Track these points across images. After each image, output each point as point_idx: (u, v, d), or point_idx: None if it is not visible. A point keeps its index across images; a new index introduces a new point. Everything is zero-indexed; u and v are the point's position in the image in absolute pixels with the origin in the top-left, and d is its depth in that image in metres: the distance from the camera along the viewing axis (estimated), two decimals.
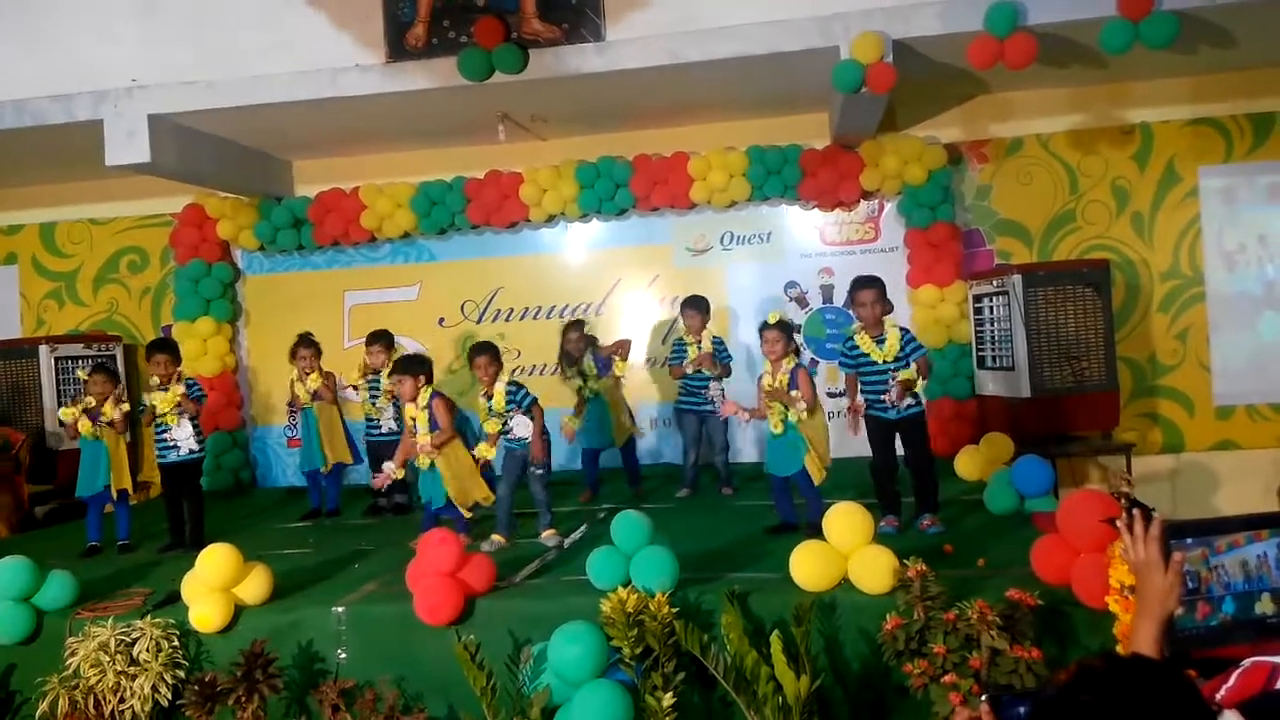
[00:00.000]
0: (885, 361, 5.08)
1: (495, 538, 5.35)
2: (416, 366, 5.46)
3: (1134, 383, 7.40)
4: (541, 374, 7.90)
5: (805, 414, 4.96)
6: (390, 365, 6.48)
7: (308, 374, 6.74)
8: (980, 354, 7.24)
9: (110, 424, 5.92)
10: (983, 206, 7.65)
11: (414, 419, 5.32)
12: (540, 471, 5.37)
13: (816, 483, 5.01)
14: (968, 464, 6.36)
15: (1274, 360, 7.36)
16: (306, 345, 6.80)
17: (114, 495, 5.99)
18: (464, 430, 5.60)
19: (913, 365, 5.07)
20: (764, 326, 5.19)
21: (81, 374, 6.74)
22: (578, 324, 6.78)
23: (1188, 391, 7.44)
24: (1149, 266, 7.47)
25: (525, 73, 6.13)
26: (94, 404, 5.95)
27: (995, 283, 6.94)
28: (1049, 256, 7.50)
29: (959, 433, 7.19)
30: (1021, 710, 1.65)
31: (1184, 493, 7.25)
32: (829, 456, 5.12)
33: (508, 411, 5.29)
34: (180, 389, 5.87)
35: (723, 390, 6.43)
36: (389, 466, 5.45)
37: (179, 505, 5.96)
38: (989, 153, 7.62)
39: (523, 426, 5.29)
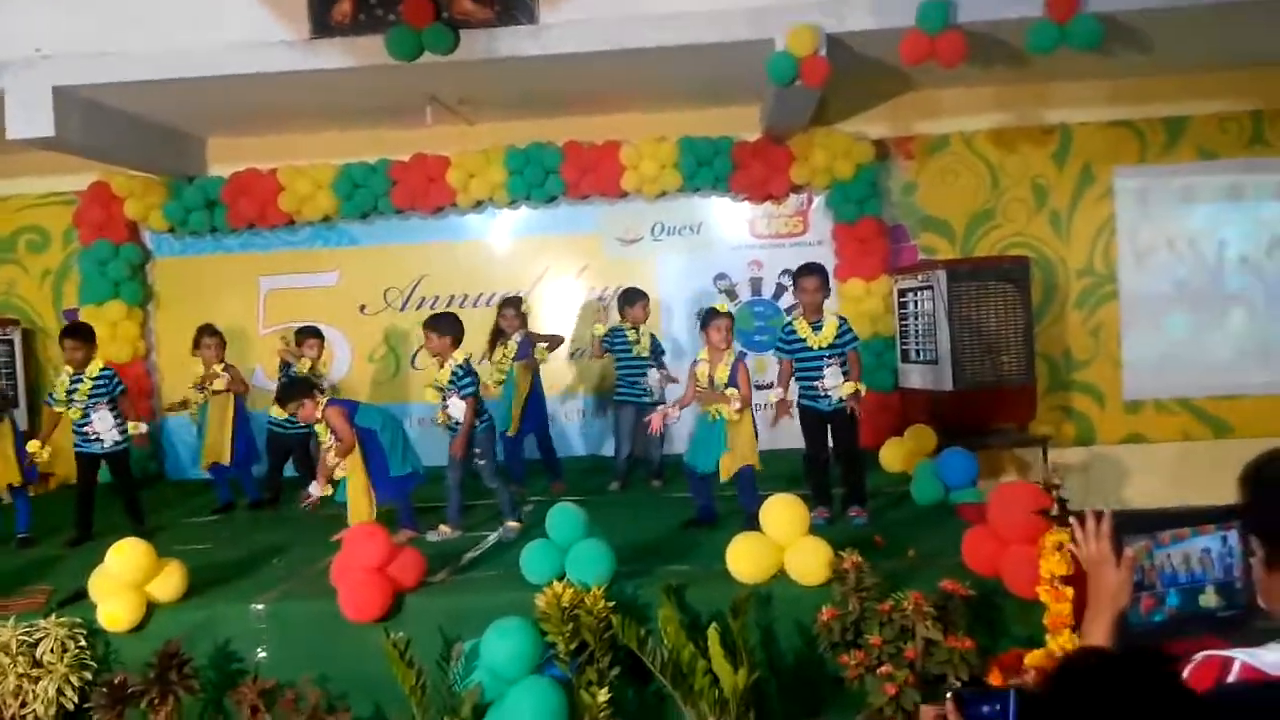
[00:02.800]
0: (819, 348, 5.13)
1: (443, 528, 5.25)
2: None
3: (1049, 377, 7.59)
4: (480, 364, 7.74)
5: (738, 412, 4.94)
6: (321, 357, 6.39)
7: (211, 365, 6.49)
8: (904, 347, 7.35)
9: None
10: (908, 202, 7.76)
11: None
12: (483, 462, 5.26)
13: (723, 479, 5.02)
14: (892, 456, 6.46)
15: (1181, 357, 7.64)
16: (210, 334, 6.55)
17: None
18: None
19: (847, 358, 5.15)
20: (712, 314, 5.13)
21: None
22: (514, 300, 6.63)
23: (1100, 386, 7.68)
24: (1065, 264, 7.68)
25: (455, 54, 5.96)
26: None
27: (920, 278, 7.05)
28: (970, 253, 7.65)
29: (882, 424, 7.26)
30: (985, 709, 1.63)
31: (1095, 484, 7.46)
32: (755, 454, 5.08)
33: (448, 389, 5.18)
34: (97, 374, 5.60)
35: (666, 375, 6.45)
36: (315, 489, 5.16)
37: (89, 498, 5.71)
38: (915, 149, 7.72)
39: (458, 410, 5.18)
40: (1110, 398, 7.68)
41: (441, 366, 5.27)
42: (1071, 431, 7.66)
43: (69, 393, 5.64)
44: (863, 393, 5.16)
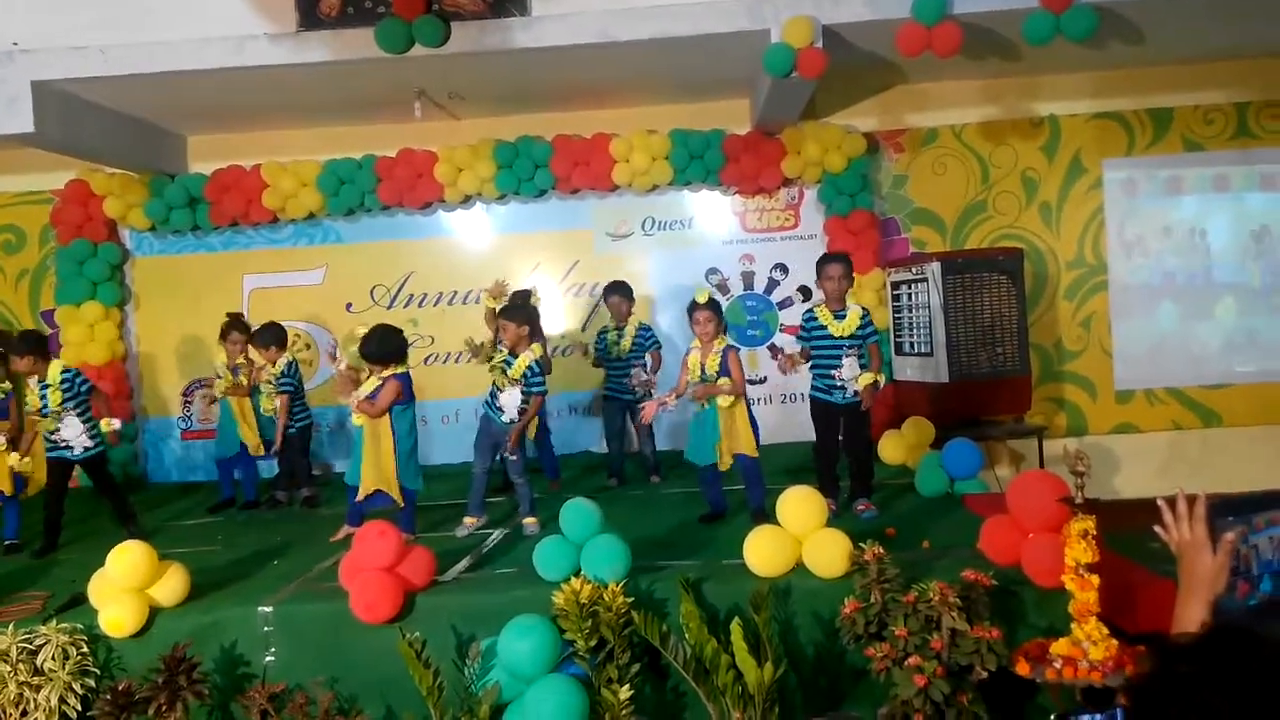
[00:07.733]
0: (840, 337, 5.10)
1: (468, 520, 5.16)
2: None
3: (1041, 368, 7.62)
4: (456, 363, 7.69)
5: (733, 401, 4.88)
6: (278, 360, 6.22)
7: (236, 359, 6.38)
8: (898, 340, 7.34)
9: None
10: (898, 195, 7.75)
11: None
12: (514, 458, 5.18)
13: (722, 468, 4.98)
14: (891, 448, 6.45)
15: (1171, 347, 7.71)
16: (238, 328, 6.43)
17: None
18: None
19: (867, 352, 5.14)
20: (694, 306, 5.07)
21: None
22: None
23: (1091, 376, 7.72)
24: (1055, 255, 7.71)
25: (446, 47, 5.87)
26: None
27: (914, 270, 7.04)
28: (961, 245, 7.67)
29: (875, 417, 7.21)
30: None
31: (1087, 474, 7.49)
32: (752, 444, 5.00)
33: (514, 382, 5.10)
34: (59, 378, 5.43)
35: (647, 379, 6.35)
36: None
37: (59, 506, 5.54)
38: (904, 143, 7.72)
39: (510, 402, 5.09)
40: (1101, 388, 7.72)
41: (515, 355, 5.14)
42: (1064, 422, 7.70)
43: (41, 401, 5.42)
44: (881, 384, 5.14)
